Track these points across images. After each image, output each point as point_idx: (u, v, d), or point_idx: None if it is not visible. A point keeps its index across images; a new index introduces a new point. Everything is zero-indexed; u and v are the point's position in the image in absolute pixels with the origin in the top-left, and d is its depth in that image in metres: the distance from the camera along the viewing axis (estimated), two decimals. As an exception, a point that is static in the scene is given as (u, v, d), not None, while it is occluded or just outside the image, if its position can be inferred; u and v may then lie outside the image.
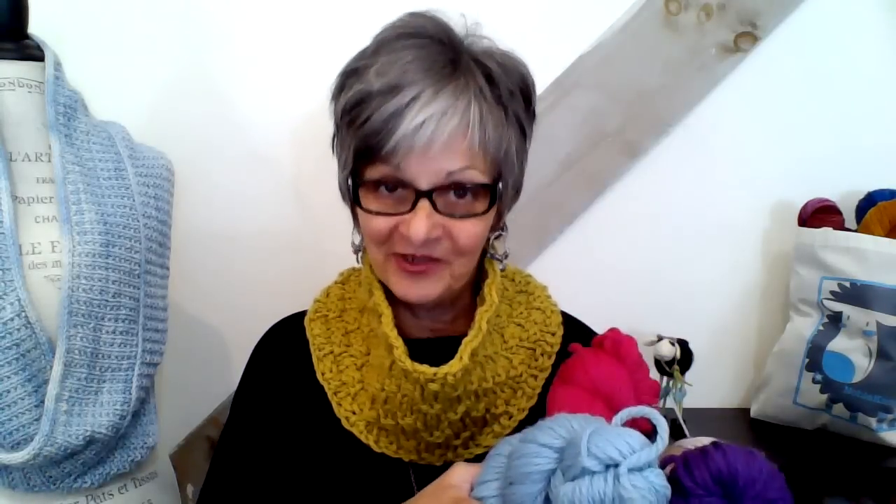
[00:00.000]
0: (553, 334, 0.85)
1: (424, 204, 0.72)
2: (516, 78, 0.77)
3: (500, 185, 0.76)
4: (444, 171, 0.72)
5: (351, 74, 0.76)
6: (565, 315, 0.90)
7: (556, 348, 0.85)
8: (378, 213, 0.74)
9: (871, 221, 1.24)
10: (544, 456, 0.54)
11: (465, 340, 0.76)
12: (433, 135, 0.70)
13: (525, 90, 0.78)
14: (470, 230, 0.75)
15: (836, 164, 1.35)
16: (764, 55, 1.32)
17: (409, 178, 0.72)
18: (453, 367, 0.74)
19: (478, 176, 0.74)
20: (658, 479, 0.51)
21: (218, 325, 1.34)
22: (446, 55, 0.73)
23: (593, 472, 0.51)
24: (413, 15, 0.77)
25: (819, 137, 1.35)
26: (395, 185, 0.73)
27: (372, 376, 0.80)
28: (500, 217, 0.84)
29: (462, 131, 0.71)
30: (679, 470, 0.56)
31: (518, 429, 0.79)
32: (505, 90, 0.75)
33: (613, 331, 0.73)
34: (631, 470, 0.50)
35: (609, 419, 0.58)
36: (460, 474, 0.62)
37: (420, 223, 0.71)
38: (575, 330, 0.89)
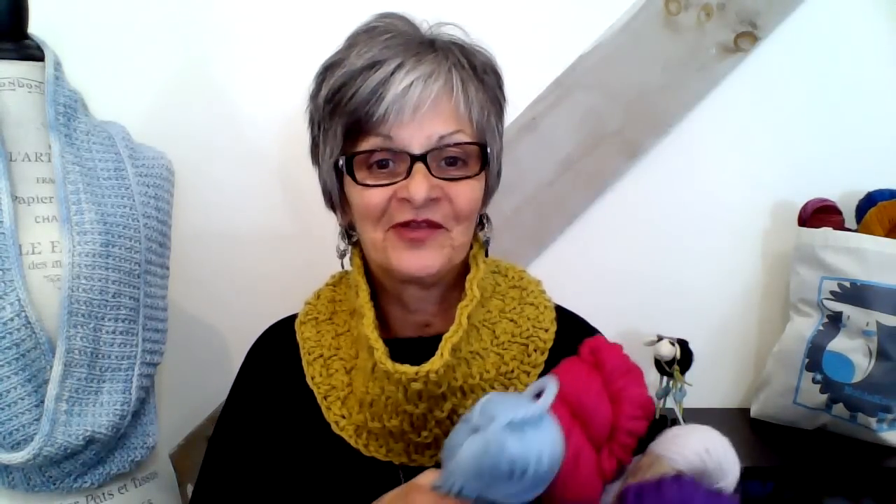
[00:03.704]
0: (546, 330, 0.84)
1: (420, 167, 0.73)
2: (487, 60, 0.81)
3: (489, 149, 0.78)
4: (436, 134, 0.74)
5: (329, 68, 0.78)
6: (560, 310, 0.89)
7: (549, 344, 0.84)
8: (374, 186, 0.75)
9: (871, 221, 1.24)
10: (462, 430, 0.60)
11: (445, 336, 0.75)
12: (421, 95, 0.72)
13: (495, 71, 0.82)
14: (467, 193, 0.76)
15: (836, 164, 1.36)
16: (764, 55, 1.32)
17: (402, 146, 0.73)
18: (434, 364, 0.73)
19: (466, 138, 0.76)
20: (535, 435, 0.55)
21: (218, 325, 1.34)
22: (421, 38, 0.77)
23: (480, 429, 0.57)
24: (381, 14, 0.80)
25: (819, 137, 1.35)
26: (386, 158, 0.75)
27: (358, 380, 0.80)
28: (487, 196, 0.84)
29: (448, 93, 0.74)
30: (630, 499, 0.57)
31: None
32: (480, 65, 0.79)
33: (595, 338, 0.71)
34: (510, 424, 0.55)
35: (573, 427, 0.63)
36: (426, 475, 0.64)
37: (419, 182, 0.72)
38: (570, 325, 0.88)
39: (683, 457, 0.62)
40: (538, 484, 0.56)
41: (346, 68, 0.74)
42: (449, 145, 0.74)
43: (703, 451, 0.63)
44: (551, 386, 0.58)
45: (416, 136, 0.73)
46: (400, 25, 0.78)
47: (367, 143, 0.74)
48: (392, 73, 0.72)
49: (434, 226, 0.75)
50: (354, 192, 0.77)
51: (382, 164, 0.75)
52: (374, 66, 0.73)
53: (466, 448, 0.57)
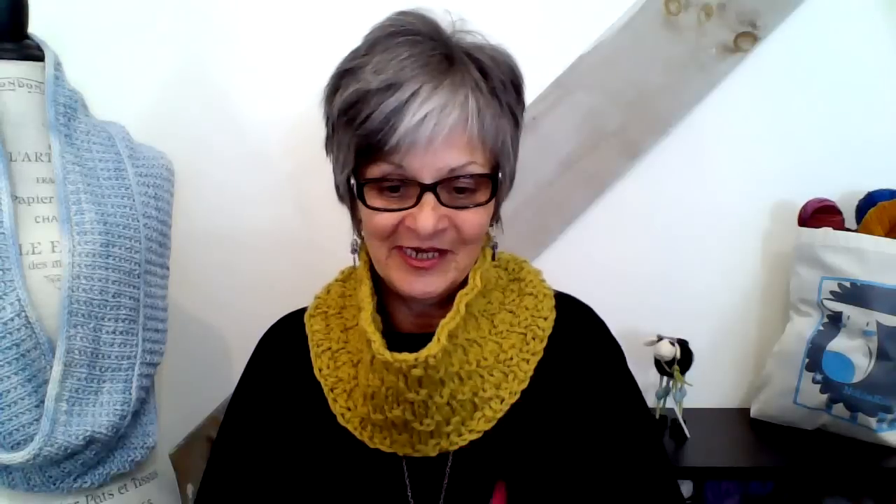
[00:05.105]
0: (545, 318, 0.85)
1: (429, 198, 0.73)
2: (507, 70, 0.79)
3: (500, 174, 0.78)
4: (448, 167, 0.73)
5: (345, 74, 0.77)
6: (560, 296, 0.89)
7: (548, 332, 0.84)
8: (383, 210, 0.75)
9: (871, 221, 1.24)
10: None
11: (442, 322, 0.76)
12: (435, 129, 0.71)
13: (515, 81, 0.80)
14: (474, 220, 0.76)
15: (836, 164, 1.35)
16: (764, 55, 1.32)
17: (413, 174, 0.73)
18: (432, 349, 0.74)
19: (478, 169, 0.75)
20: None
21: (218, 325, 1.34)
22: (440, 50, 0.75)
23: None
24: (402, 13, 0.78)
25: (819, 137, 1.35)
26: (398, 182, 0.74)
27: (361, 373, 0.80)
28: (497, 206, 0.85)
29: (462, 124, 0.73)
30: None
31: (511, 412, 0.79)
32: (498, 82, 0.77)
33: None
34: None
35: None
36: None
37: (427, 216, 0.73)
38: (570, 310, 0.89)
39: None
40: None
41: (360, 84, 0.73)
42: (461, 177, 0.74)
43: None
44: None
45: (427, 166, 0.72)
46: (422, 30, 0.76)
47: (379, 170, 0.74)
48: (406, 102, 0.70)
49: (440, 252, 0.77)
50: (364, 212, 0.78)
51: (393, 189, 0.75)
52: (388, 88, 0.71)
53: None
